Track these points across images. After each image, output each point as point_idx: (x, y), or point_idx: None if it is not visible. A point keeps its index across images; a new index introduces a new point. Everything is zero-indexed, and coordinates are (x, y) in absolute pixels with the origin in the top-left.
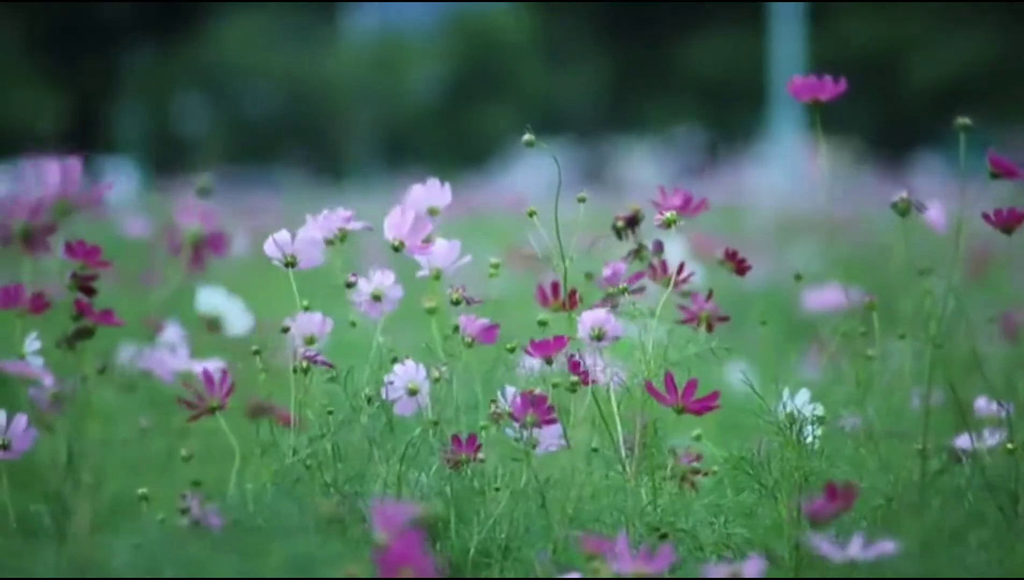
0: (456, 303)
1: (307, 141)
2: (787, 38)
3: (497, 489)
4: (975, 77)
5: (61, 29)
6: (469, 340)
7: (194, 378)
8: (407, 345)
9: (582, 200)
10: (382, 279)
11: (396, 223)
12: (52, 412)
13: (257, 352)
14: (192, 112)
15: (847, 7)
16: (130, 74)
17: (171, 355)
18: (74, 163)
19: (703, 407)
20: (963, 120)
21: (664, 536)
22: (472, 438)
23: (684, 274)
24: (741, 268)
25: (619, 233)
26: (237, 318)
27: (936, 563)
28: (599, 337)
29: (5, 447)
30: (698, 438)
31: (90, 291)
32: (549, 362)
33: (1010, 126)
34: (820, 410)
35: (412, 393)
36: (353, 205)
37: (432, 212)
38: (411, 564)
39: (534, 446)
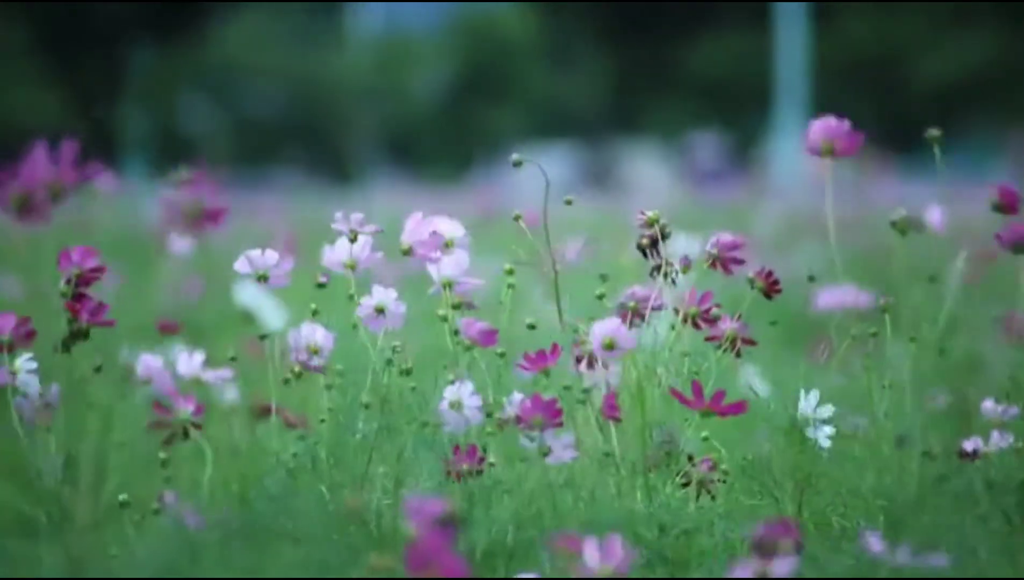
0: (456, 307)
1: (312, 142)
2: (792, 39)
3: (506, 491)
4: (980, 77)
5: (64, 29)
6: (468, 343)
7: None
8: (416, 349)
9: (568, 202)
10: (384, 295)
11: (412, 230)
12: (44, 416)
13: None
14: (197, 112)
15: (852, 7)
16: (134, 74)
17: (185, 361)
18: (68, 148)
19: (730, 410)
20: (934, 132)
21: (676, 536)
22: (473, 449)
23: (705, 295)
24: (772, 290)
25: (644, 252)
26: (272, 315)
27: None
28: (610, 347)
29: None
30: (706, 439)
31: (84, 297)
32: (546, 374)
33: (1016, 126)
34: (829, 412)
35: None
36: (357, 206)
37: (448, 245)
38: (440, 560)
39: (545, 454)
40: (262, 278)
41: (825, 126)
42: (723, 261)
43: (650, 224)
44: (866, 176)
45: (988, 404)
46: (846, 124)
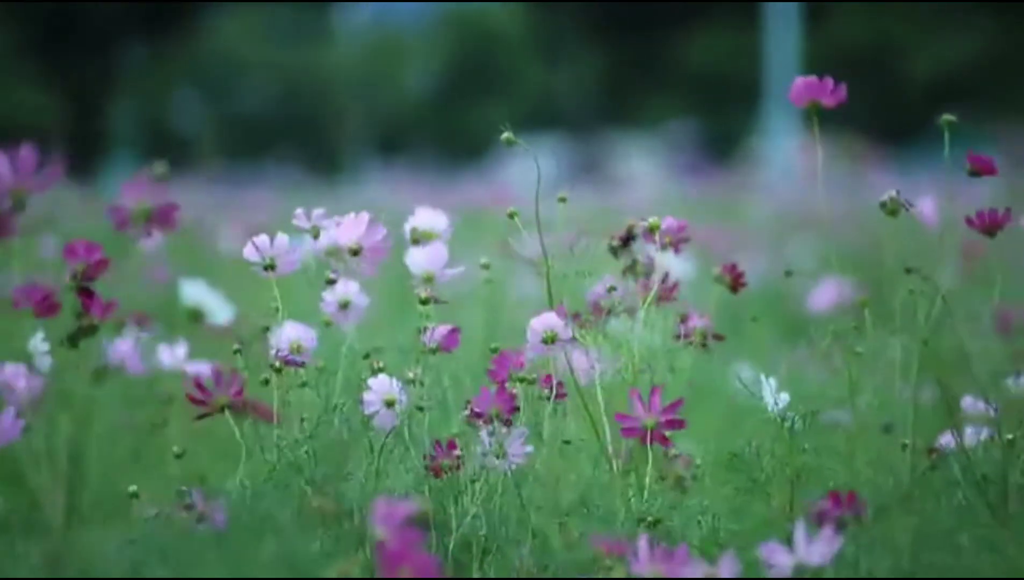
0: (424, 303)
1: (302, 136)
2: (782, 35)
3: (473, 481)
4: (971, 73)
5: (55, 28)
6: (434, 346)
7: (188, 377)
8: (395, 345)
9: (563, 200)
10: (346, 288)
11: (349, 228)
12: (31, 408)
13: (238, 351)
14: (188, 108)
15: (843, 4)
16: (125, 71)
17: (168, 352)
18: (26, 153)
19: (675, 424)
20: (948, 117)
21: (654, 525)
22: (452, 443)
23: (671, 285)
24: (737, 285)
25: (615, 252)
26: (219, 309)
27: (927, 562)
28: (551, 340)
29: None
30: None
31: (88, 292)
32: (517, 379)
33: (1007, 122)
34: (787, 398)
35: (389, 405)
36: (347, 200)
37: (428, 237)
38: (410, 562)
39: (500, 454)
40: (269, 266)
41: (808, 83)
42: (673, 244)
43: (651, 230)
44: (858, 171)
45: (968, 400)
46: (829, 81)
